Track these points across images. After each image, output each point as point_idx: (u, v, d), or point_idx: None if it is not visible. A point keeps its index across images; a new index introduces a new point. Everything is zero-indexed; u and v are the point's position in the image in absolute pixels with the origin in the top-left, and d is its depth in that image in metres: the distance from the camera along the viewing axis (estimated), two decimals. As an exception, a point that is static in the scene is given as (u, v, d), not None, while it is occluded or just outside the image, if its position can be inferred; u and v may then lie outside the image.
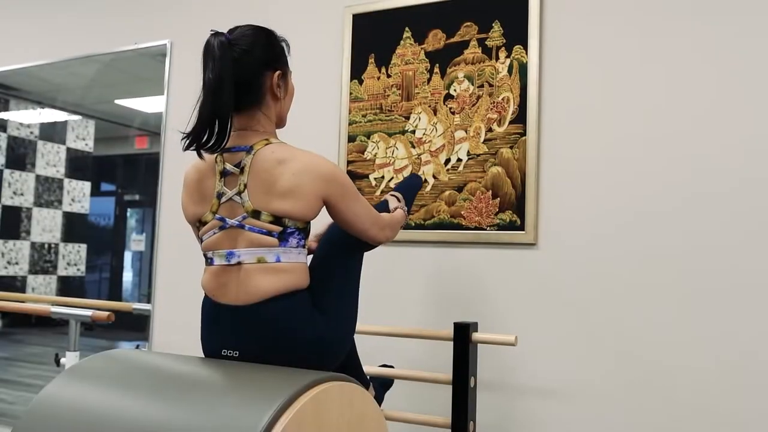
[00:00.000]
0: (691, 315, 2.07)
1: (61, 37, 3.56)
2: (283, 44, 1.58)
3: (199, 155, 1.45)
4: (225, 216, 1.47)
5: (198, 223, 1.52)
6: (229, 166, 1.47)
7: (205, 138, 1.41)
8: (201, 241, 1.52)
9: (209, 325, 1.51)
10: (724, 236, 2.05)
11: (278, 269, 1.43)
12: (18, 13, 3.80)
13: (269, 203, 1.42)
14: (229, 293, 1.46)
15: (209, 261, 1.50)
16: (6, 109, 6.83)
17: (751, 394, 1.97)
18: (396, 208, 1.83)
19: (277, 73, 1.52)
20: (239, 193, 1.44)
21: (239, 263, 1.44)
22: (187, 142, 1.42)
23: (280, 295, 1.43)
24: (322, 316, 1.50)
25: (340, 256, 1.63)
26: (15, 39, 3.78)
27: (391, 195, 1.92)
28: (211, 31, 1.46)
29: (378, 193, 2.56)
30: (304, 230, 1.48)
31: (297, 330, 1.44)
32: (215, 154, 1.48)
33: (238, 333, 1.44)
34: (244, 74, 1.46)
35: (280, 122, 1.61)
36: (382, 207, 1.83)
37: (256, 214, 1.43)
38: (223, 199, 1.47)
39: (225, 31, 1.50)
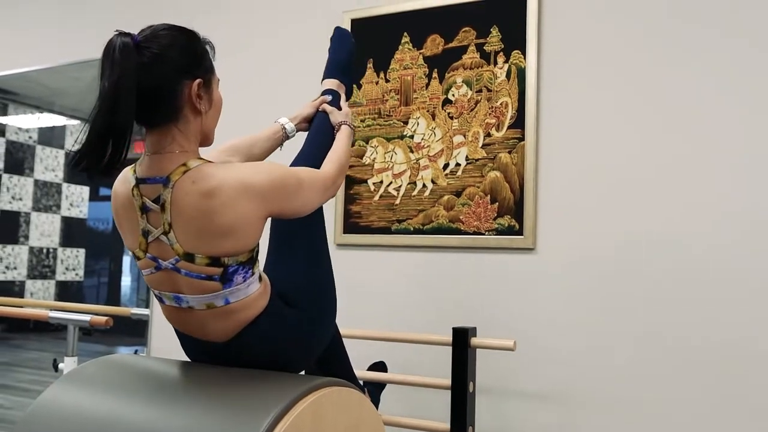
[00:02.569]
0: (692, 319, 2.07)
1: (60, 42, 3.56)
2: (207, 47, 1.36)
3: (90, 178, 1.21)
4: (156, 255, 1.28)
5: (134, 256, 1.35)
6: (147, 202, 1.25)
7: (97, 158, 1.18)
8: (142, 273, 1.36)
9: (187, 348, 1.45)
10: (724, 241, 2.04)
11: (231, 311, 1.29)
12: (17, 18, 3.80)
13: (202, 245, 1.23)
14: (195, 331, 1.35)
15: (159, 299, 1.36)
16: (5, 113, 6.83)
17: (753, 397, 1.97)
18: (340, 125, 1.69)
19: (197, 81, 1.28)
20: (165, 234, 1.24)
21: (190, 308, 1.30)
22: (75, 161, 1.18)
23: (246, 326, 1.33)
24: (299, 312, 1.41)
25: (297, 239, 1.49)
26: (14, 44, 3.78)
27: (328, 95, 1.77)
28: (116, 31, 1.24)
29: (377, 198, 2.56)
30: (250, 259, 1.29)
31: (277, 345, 1.38)
32: (132, 187, 1.28)
33: (218, 361, 1.38)
34: (155, 83, 1.23)
35: (206, 140, 1.36)
36: (322, 123, 1.71)
37: (188, 256, 1.24)
38: (150, 238, 1.27)
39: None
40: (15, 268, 7.07)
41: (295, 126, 1.74)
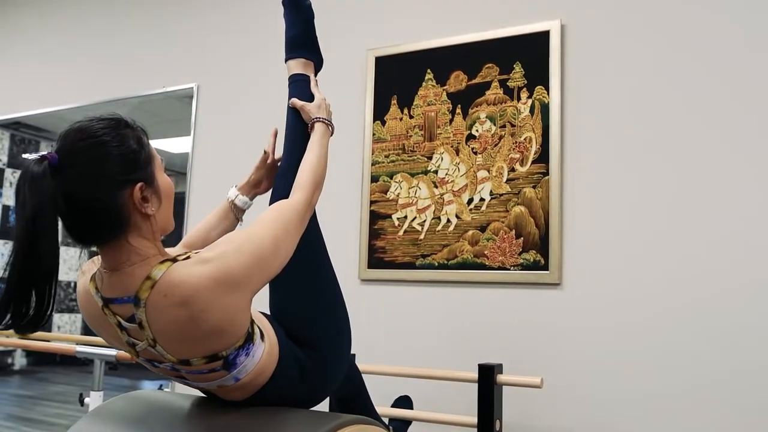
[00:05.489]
0: (719, 354, 2.02)
1: (92, 81, 3.65)
2: (139, 133, 1.15)
3: (18, 331, 1.04)
4: (150, 359, 1.19)
5: None
6: (122, 321, 1.13)
7: (20, 311, 1.02)
8: None
9: (207, 394, 1.41)
10: (754, 275, 2.01)
11: (244, 383, 1.22)
12: (51, 59, 3.92)
13: (194, 351, 1.13)
14: (211, 394, 1.33)
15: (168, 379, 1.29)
16: (37, 150, 6.98)
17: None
18: (313, 123, 1.48)
19: (139, 186, 1.10)
20: (152, 346, 1.14)
21: (203, 389, 1.25)
22: None
23: (261, 387, 1.26)
24: (312, 352, 1.36)
25: (298, 270, 1.33)
26: (47, 83, 3.89)
27: (298, 84, 1.56)
28: (29, 155, 1.04)
29: (401, 233, 2.56)
30: (248, 337, 1.17)
31: (295, 388, 1.34)
32: (101, 306, 1.15)
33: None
34: (88, 203, 1.06)
35: (165, 231, 1.20)
36: (297, 123, 1.52)
37: (184, 362, 1.15)
38: (138, 348, 1.16)
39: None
40: (43, 302, 7.14)
41: (249, 196, 1.58)
